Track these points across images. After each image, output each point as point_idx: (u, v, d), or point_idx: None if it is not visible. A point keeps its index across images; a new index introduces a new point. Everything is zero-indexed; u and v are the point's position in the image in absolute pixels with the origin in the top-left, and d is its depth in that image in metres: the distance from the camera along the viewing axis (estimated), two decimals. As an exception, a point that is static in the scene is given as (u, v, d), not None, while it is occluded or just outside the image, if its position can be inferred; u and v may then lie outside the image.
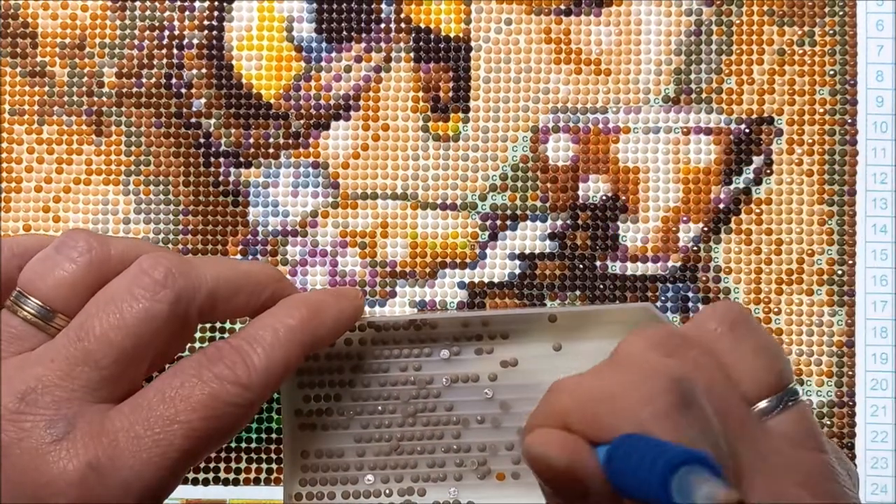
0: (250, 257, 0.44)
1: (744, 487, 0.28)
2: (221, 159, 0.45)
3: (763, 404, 0.31)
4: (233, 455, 0.44)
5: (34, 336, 0.34)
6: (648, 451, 0.25)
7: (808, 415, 0.31)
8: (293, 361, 0.36)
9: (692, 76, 0.45)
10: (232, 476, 0.44)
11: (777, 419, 0.31)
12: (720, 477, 0.24)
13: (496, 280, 0.44)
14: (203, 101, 0.45)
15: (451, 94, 0.45)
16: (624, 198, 0.45)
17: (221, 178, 0.45)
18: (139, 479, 0.32)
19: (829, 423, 0.44)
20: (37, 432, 0.32)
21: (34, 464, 0.32)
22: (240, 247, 0.44)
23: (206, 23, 0.45)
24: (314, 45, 0.45)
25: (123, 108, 0.45)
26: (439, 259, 0.44)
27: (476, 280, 0.44)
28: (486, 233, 0.45)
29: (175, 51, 0.45)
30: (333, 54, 0.45)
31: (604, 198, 0.45)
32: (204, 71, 0.45)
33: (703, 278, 0.44)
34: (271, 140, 0.45)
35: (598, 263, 0.44)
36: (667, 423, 0.27)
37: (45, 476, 0.32)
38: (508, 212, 0.45)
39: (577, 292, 0.44)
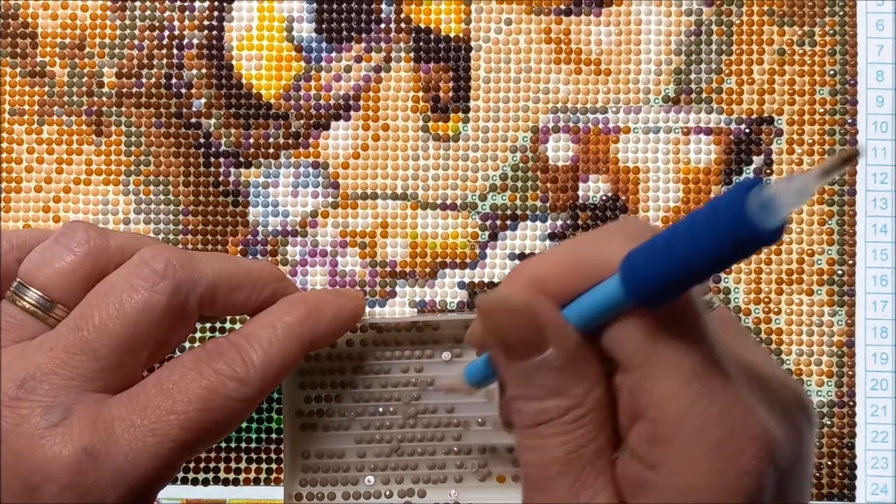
0: (250, 257, 0.44)
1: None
2: (221, 159, 0.45)
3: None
4: (233, 455, 0.44)
5: (34, 325, 0.35)
6: (685, 226, 0.24)
7: (726, 314, 0.31)
8: (292, 358, 0.36)
9: (692, 76, 0.45)
10: (232, 476, 0.44)
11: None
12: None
13: (496, 280, 0.45)
14: (203, 101, 0.45)
15: (451, 94, 0.45)
16: (624, 198, 0.45)
17: (221, 178, 0.45)
18: (133, 467, 0.32)
19: (829, 423, 0.44)
20: (34, 418, 0.32)
21: (30, 449, 0.32)
22: (240, 247, 0.44)
23: (206, 23, 0.45)
24: (314, 45, 0.45)
25: (123, 108, 0.45)
26: (439, 259, 0.44)
27: (476, 280, 0.45)
28: (486, 233, 0.45)
29: (175, 51, 0.45)
30: (333, 54, 0.45)
31: (604, 198, 0.45)
32: (204, 71, 0.45)
33: (703, 278, 0.44)
34: (271, 140, 0.45)
35: (598, 263, 0.44)
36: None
37: (39, 461, 0.32)
38: (508, 212, 0.45)
39: (578, 292, 0.44)
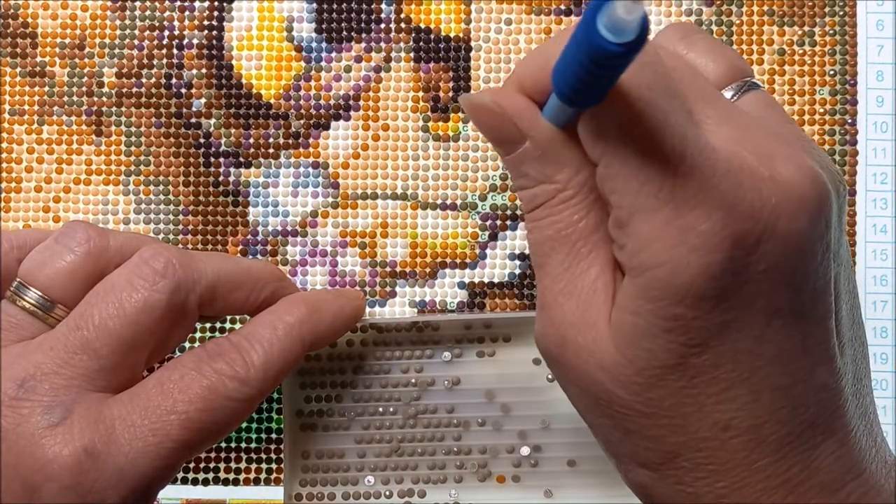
0: (250, 257, 0.44)
1: (704, 129, 0.28)
2: (221, 159, 0.45)
3: (724, 92, 0.31)
4: (233, 455, 0.44)
5: (34, 325, 0.35)
6: (573, 35, 0.25)
7: (769, 96, 0.31)
8: (292, 358, 0.36)
9: (692, 76, 0.45)
10: (232, 476, 0.44)
11: (740, 101, 0.31)
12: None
13: (496, 280, 0.45)
14: (203, 101, 0.45)
15: (451, 94, 0.45)
16: (624, 198, 0.45)
17: (221, 178, 0.45)
18: (134, 467, 0.33)
19: (828, 423, 0.44)
20: (34, 418, 0.32)
21: (30, 449, 0.32)
22: (240, 247, 0.44)
23: (206, 23, 0.45)
24: (314, 45, 0.45)
25: (123, 108, 0.45)
26: (439, 259, 0.44)
27: (476, 280, 0.45)
28: (486, 233, 0.45)
29: (175, 51, 0.45)
30: (333, 54, 0.45)
31: (604, 198, 0.45)
32: (204, 71, 0.45)
33: (703, 278, 0.44)
34: (271, 140, 0.45)
35: (598, 264, 0.44)
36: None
37: (39, 461, 0.32)
38: (508, 212, 0.45)
39: (578, 292, 0.44)
